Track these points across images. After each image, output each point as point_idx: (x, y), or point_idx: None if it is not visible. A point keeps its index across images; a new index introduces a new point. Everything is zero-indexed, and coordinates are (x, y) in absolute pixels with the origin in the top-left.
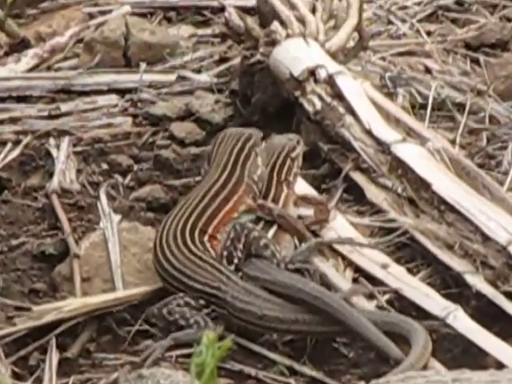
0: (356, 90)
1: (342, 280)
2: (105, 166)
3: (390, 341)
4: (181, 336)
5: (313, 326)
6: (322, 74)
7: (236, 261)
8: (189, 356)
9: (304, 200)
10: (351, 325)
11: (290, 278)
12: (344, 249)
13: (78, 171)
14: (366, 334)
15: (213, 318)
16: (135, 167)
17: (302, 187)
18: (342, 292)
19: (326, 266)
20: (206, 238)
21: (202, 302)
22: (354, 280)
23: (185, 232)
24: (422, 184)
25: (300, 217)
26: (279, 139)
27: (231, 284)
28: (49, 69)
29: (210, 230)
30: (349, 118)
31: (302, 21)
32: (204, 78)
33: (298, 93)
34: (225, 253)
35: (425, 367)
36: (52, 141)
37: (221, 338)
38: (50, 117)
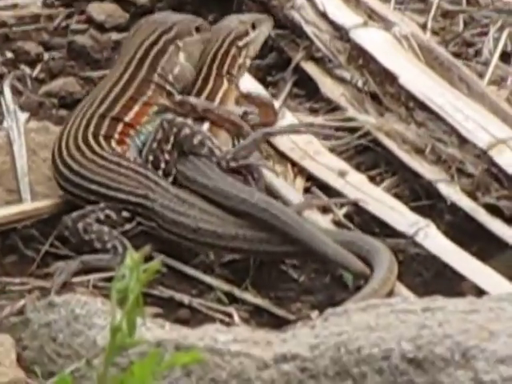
0: None
1: (292, 190)
2: (9, 55)
3: (350, 254)
4: (92, 260)
5: (256, 244)
6: None
7: (163, 165)
8: (109, 280)
9: (246, 99)
10: (304, 239)
11: (234, 186)
12: (294, 154)
13: None
14: (322, 248)
15: (137, 234)
16: (45, 56)
17: (245, 81)
18: (292, 205)
19: (272, 175)
20: (113, 144)
21: (125, 214)
22: (306, 190)
23: (88, 140)
24: (386, 76)
25: (243, 116)
26: (229, 21)
27: (160, 191)
28: None
29: (116, 136)
30: None
31: None
32: None
33: None
34: (150, 157)
35: (390, 294)
36: None
37: (147, 258)
38: None
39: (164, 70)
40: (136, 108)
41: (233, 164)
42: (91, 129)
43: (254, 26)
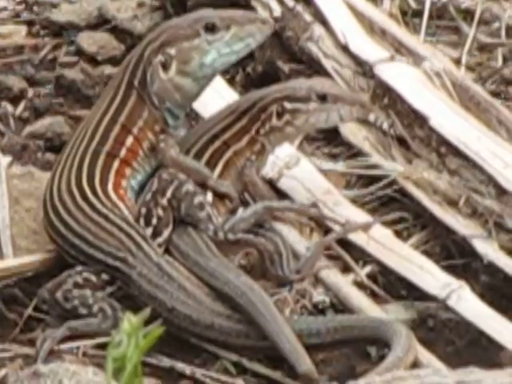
0: None
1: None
2: None
3: (306, 355)
4: (79, 326)
5: (232, 338)
6: None
7: (155, 221)
8: (101, 347)
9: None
10: (268, 329)
11: (225, 266)
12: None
13: None
14: (281, 343)
15: (124, 296)
16: (30, 92)
17: None
18: (312, 246)
19: (285, 228)
20: (109, 187)
21: (104, 277)
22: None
23: (81, 181)
24: (415, 118)
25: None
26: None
27: (141, 256)
28: None
29: (111, 178)
30: (318, 29)
31: None
32: None
33: None
34: (143, 209)
35: (413, 364)
36: None
37: (145, 323)
38: None
39: (149, 90)
40: (129, 140)
41: (230, 236)
42: (85, 169)
43: (324, 98)
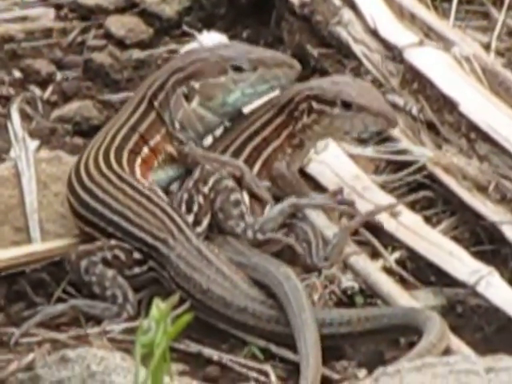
0: None
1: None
2: (17, 74)
3: (319, 357)
4: (83, 306)
5: (263, 322)
6: None
7: (196, 208)
8: (130, 332)
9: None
10: (293, 322)
11: (266, 259)
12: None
13: None
14: (298, 340)
15: (151, 281)
16: (58, 76)
17: None
18: (338, 232)
19: (314, 213)
20: (138, 176)
21: (137, 256)
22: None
23: (112, 167)
24: (445, 103)
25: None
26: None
27: (182, 239)
28: None
29: (137, 170)
30: (347, 13)
31: None
32: None
33: None
34: (185, 195)
35: (445, 351)
36: None
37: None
38: None
39: (171, 115)
40: (145, 150)
41: (259, 236)
42: (112, 160)
43: (349, 106)
